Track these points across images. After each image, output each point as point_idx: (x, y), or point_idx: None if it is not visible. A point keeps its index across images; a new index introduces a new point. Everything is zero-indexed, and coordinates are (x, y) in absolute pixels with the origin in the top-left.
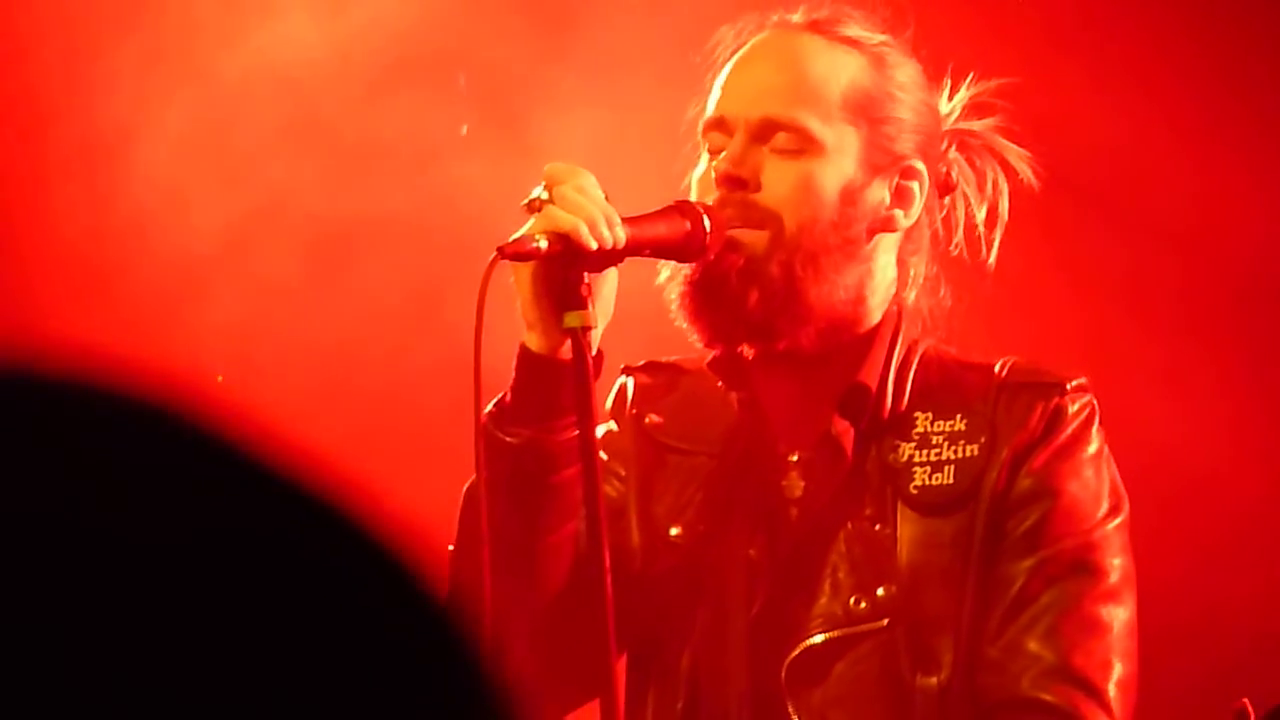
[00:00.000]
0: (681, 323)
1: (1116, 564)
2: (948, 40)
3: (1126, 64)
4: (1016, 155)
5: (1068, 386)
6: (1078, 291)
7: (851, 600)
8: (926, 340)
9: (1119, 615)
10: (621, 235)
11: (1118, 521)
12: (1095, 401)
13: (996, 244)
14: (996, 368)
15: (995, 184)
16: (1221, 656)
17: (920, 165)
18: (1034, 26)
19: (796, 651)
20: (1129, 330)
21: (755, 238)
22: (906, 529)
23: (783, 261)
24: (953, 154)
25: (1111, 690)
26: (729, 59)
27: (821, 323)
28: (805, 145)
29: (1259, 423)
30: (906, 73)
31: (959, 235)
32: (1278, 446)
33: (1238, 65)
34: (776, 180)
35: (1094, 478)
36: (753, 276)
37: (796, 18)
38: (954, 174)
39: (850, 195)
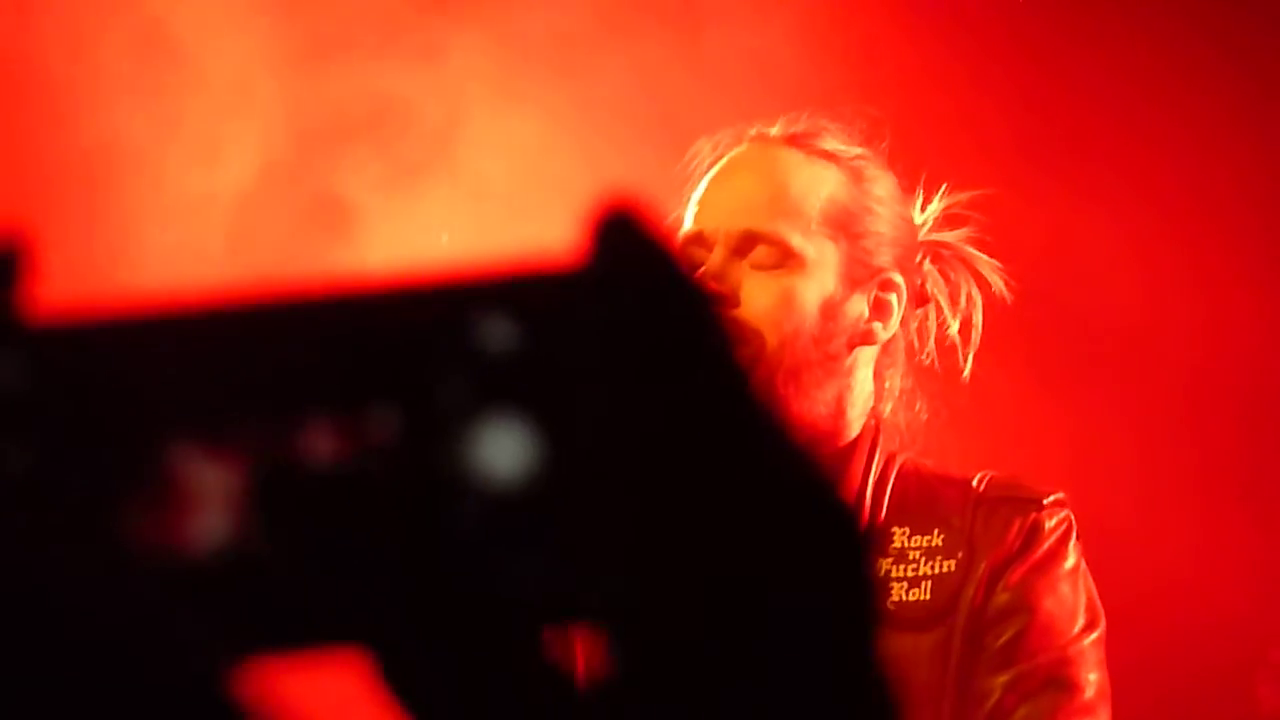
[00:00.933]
0: None
1: (1092, 679)
2: (922, 151)
3: (1103, 175)
4: (989, 267)
5: (1045, 502)
6: (1057, 406)
7: None
8: (904, 454)
9: None
10: None
11: (1093, 637)
12: (1072, 517)
13: (971, 356)
14: (974, 483)
15: (969, 296)
16: None
17: (898, 278)
18: (1008, 137)
19: None
20: (1105, 445)
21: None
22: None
23: (764, 378)
24: (926, 266)
25: None
26: (706, 172)
27: (808, 430)
28: (785, 259)
29: (1237, 538)
30: (884, 186)
31: (931, 345)
32: (1254, 560)
33: (1211, 178)
34: (757, 295)
35: (1070, 593)
36: None
37: (775, 131)
38: (928, 286)
39: (830, 310)
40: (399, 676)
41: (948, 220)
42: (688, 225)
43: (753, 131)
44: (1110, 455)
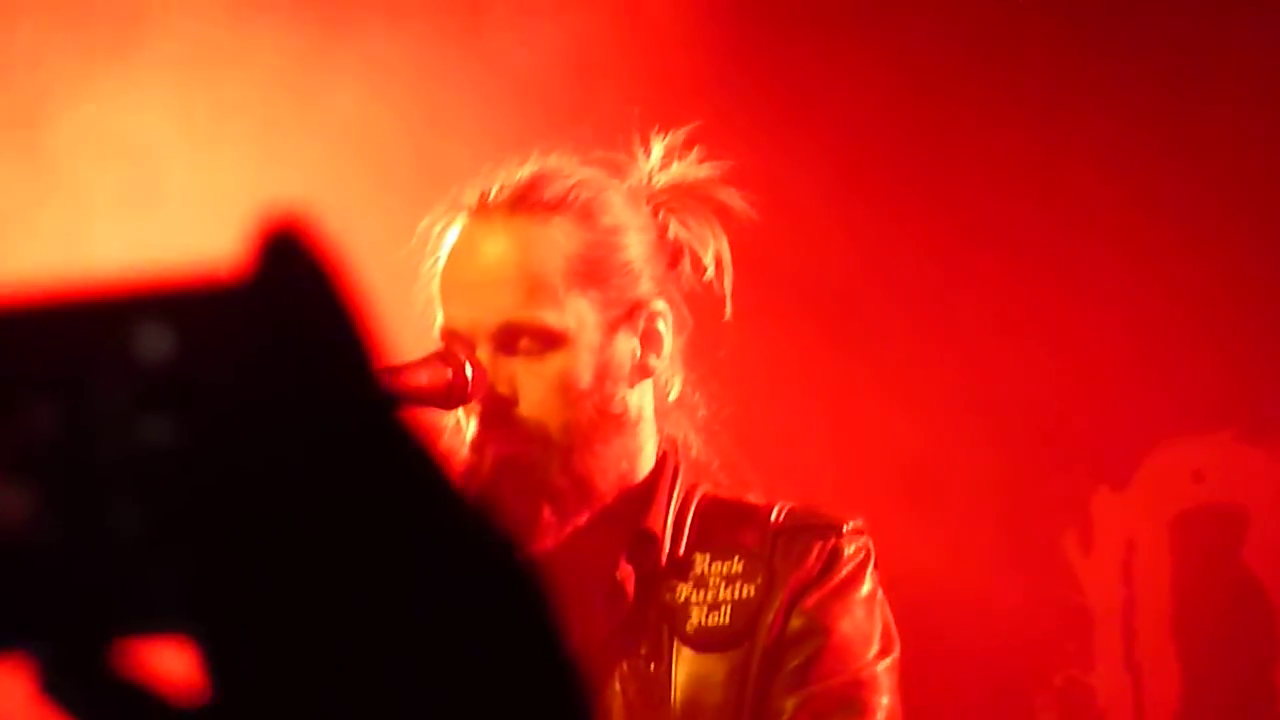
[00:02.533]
0: None
1: (883, 703)
2: (634, 98)
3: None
4: (727, 194)
5: (844, 529)
6: (852, 433)
7: None
8: (704, 485)
9: None
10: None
11: (887, 662)
12: (871, 544)
13: (729, 297)
14: (773, 513)
15: (715, 235)
16: None
17: (661, 305)
18: (713, 71)
19: None
20: (903, 472)
21: (531, 453)
22: (682, 667)
23: (561, 465)
24: (665, 217)
25: None
26: (438, 255)
27: (608, 492)
28: (549, 342)
29: (1025, 562)
30: (615, 207)
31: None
32: (1040, 583)
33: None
34: (532, 388)
35: (866, 618)
36: (539, 492)
37: (493, 195)
38: (674, 236)
39: (604, 369)
40: (48, 680)
41: (669, 158)
42: (440, 320)
43: (471, 200)
44: (897, 479)
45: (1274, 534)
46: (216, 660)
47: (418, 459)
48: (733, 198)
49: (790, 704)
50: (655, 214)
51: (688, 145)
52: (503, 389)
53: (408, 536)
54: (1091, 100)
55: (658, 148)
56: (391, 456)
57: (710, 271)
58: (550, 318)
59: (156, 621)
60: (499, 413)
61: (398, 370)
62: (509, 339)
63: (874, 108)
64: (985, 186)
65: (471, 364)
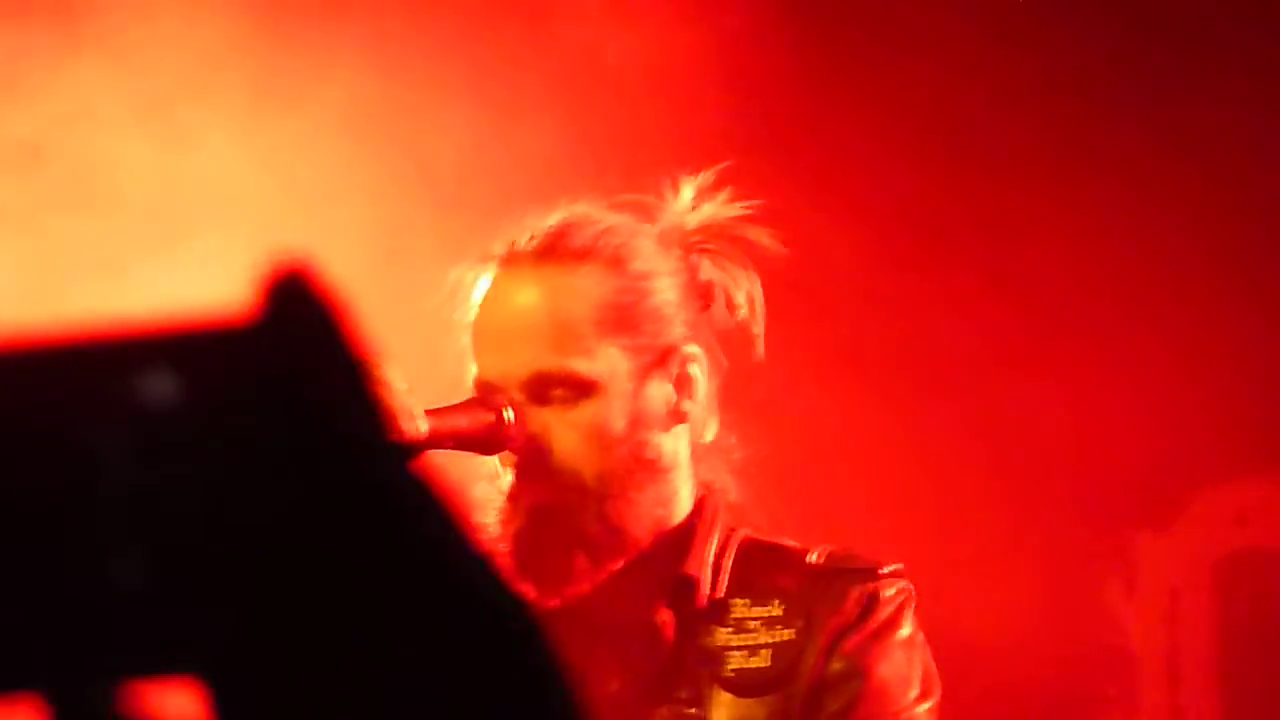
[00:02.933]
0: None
1: None
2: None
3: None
4: (758, 233)
5: (882, 572)
6: (887, 466)
7: None
8: (743, 529)
9: None
10: (423, 427)
11: (927, 706)
12: (911, 587)
13: (762, 335)
14: (812, 556)
15: (747, 277)
16: None
17: (693, 349)
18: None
19: None
20: (942, 517)
21: (566, 501)
22: (721, 712)
23: (596, 514)
24: (696, 259)
25: None
26: (468, 306)
27: (644, 538)
28: (580, 390)
29: (1066, 589)
30: (644, 253)
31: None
32: (1084, 609)
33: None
34: (565, 437)
35: (906, 662)
36: (573, 539)
37: (522, 244)
38: (705, 277)
39: (638, 417)
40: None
41: (700, 199)
42: (474, 371)
43: (500, 251)
44: (939, 525)
45: None
46: (224, 703)
47: (427, 507)
48: (764, 237)
49: None
50: (686, 256)
51: (718, 186)
52: (539, 438)
53: (414, 586)
54: (1119, 152)
55: (687, 189)
56: (399, 504)
57: (743, 312)
58: (581, 366)
59: (165, 664)
60: (534, 462)
61: (438, 414)
62: (541, 389)
63: (903, 153)
64: (1019, 235)
65: (512, 408)
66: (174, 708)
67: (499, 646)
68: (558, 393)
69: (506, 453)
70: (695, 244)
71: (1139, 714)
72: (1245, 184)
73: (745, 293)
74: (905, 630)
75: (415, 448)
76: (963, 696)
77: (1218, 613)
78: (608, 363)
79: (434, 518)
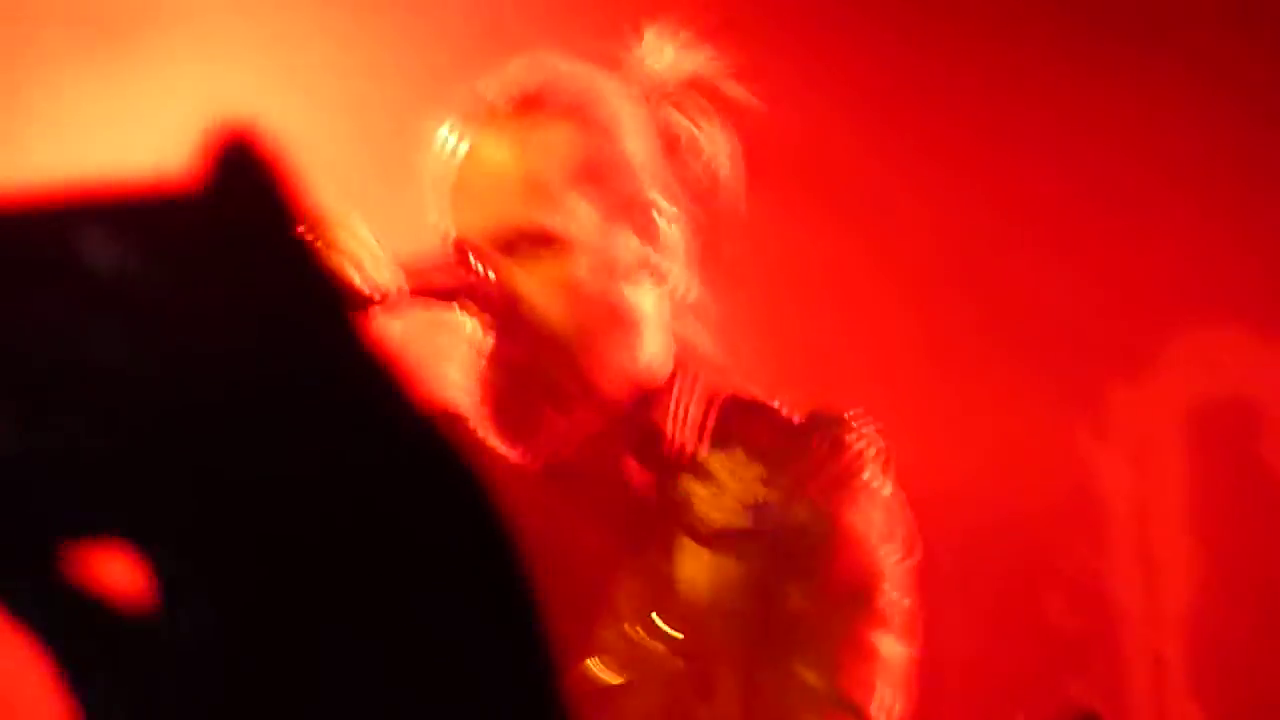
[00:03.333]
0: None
1: (894, 595)
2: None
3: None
4: (730, 87)
5: (854, 426)
6: (852, 319)
7: (637, 634)
8: (716, 384)
9: (892, 645)
10: (396, 282)
11: (897, 555)
12: (882, 443)
13: (734, 188)
14: (785, 412)
15: (715, 129)
16: (992, 684)
17: (659, 199)
18: None
19: (580, 685)
20: (918, 366)
21: (538, 355)
22: (694, 565)
23: (569, 370)
24: (664, 110)
25: (879, 717)
26: (441, 162)
27: (620, 392)
28: (550, 245)
29: (1030, 448)
30: (613, 105)
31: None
32: (1046, 470)
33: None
34: (537, 292)
35: (875, 511)
36: (546, 394)
37: (491, 98)
38: (673, 129)
39: (608, 270)
40: None
41: (671, 56)
42: (446, 227)
43: (469, 106)
44: (913, 374)
45: None
46: (163, 567)
47: (367, 365)
48: (733, 88)
49: (799, 596)
50: (654, 108)
51: (694, 41)
52: (511, 293)
53: (362, 451)
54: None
55: (661, 43)
56: (340, 362)
57: (713, 165)
58: (552, 221)
59: (102, 527)
60: (510, 321)
61: (416, 273)
62: (513, 244)
63: (884, 5)
64: (998, 85)
65: (488, 264)
66: (114, 574)
67: (446, 510)
68: (529, 248)
69: (483, 312)
70: (664, 96)
71: (1110, 559)
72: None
73: (714, 144)
74: (875, 481)
75: (389, 302)
76: (933, 542)
77: (1188, 460)
78: (577, 216)
79: (383, 384)
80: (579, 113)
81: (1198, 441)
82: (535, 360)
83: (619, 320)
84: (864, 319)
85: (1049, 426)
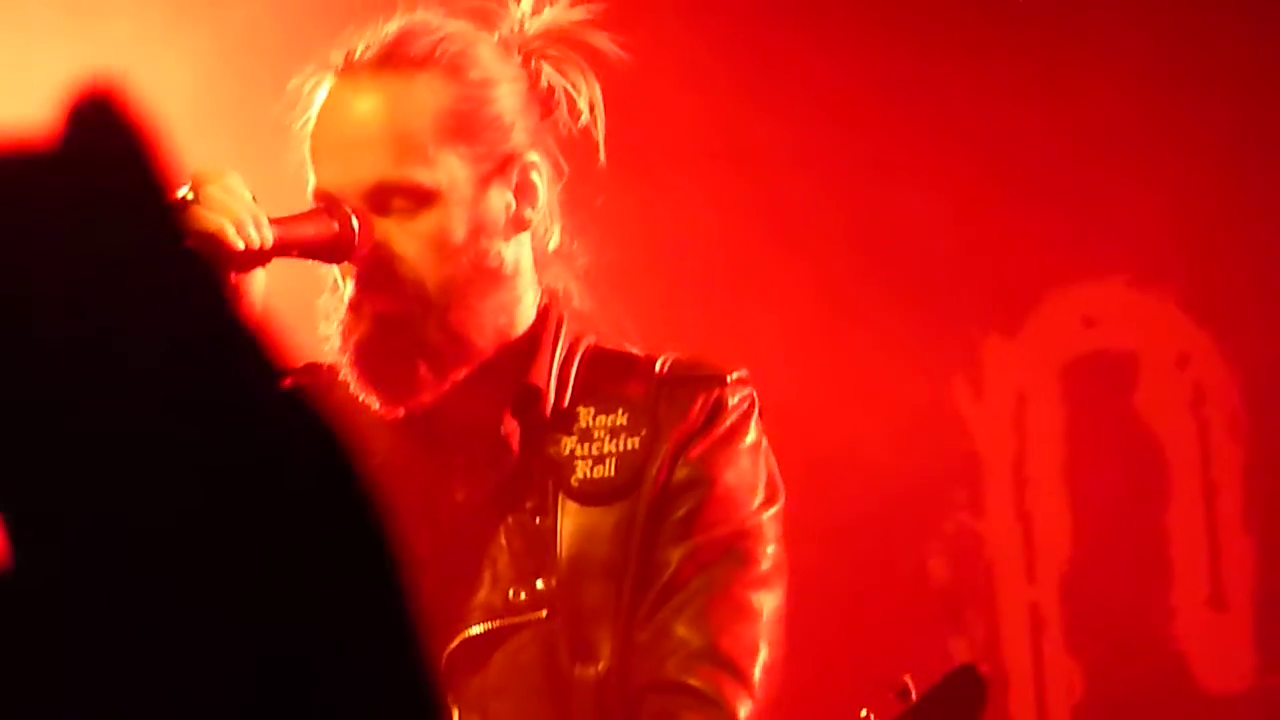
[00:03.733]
0: (354, 389)
1: (769, 552)
2: None
3: None
4: (600, 39)
5: (728, 379)
6: (739, 278)
7: (510, 592)
8: (588, 337)
9: (768, 602)
10: (269, 236)
11: (772, 511)
12: (755, 394)
13: (603, 143)
14: (658, 364)
15: (588, 83)
16: (870, 640)
17: (534, 155)
18: None
19: (455, 643)
20: (795, 321)
21: (408, 311)
22: (568, 521)
23: (437, 322)
24: (537, 65)
25: (757, 674)
26: (308, 116)
27: (487, 347)
28: (420, 200)
29: (918, 409)
30: (484, 60)
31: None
32: (932, 431)
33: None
34: (406, 246)
35: (750, 468)
36: (415, 348)
37: (360, 53)
38: (546, 83)
39: (478, 224)
40: None
41: (542, 8)
42: (313, 180)
43: (338, 61)
44: (786, 328)
45: (1164, 381)
46: (18, 538)
47: (227, 325)
48: (605, 42)
49: (676, 555)
50: (527, 63)
51: None
52: (380, 248)
53: (215, 405)
54: None
55: None
56: (201, 324)
57: (585, 118)
58: (421, 175)
59: None
60: (376, 271)
61: (284, 223)
62: (381, 199)
63: None
64: (885, 35)
65: (357, 216)
66: None
67: (307, 474)
68: (398, 202)
69: (348, 263)
70: (536, 50)
71: (986, 516)
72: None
73: (586, 98)
74: (750, 437)
75: (261, 255)
76: (810, 500)
77: (1065, 415)
78: (448, 171)
79: (244, 344)
80: (448, 65)
81: (1074, 395)
82: (404, 311)
83: (489, 274)
84: (742, 272)
85: (925, 382)
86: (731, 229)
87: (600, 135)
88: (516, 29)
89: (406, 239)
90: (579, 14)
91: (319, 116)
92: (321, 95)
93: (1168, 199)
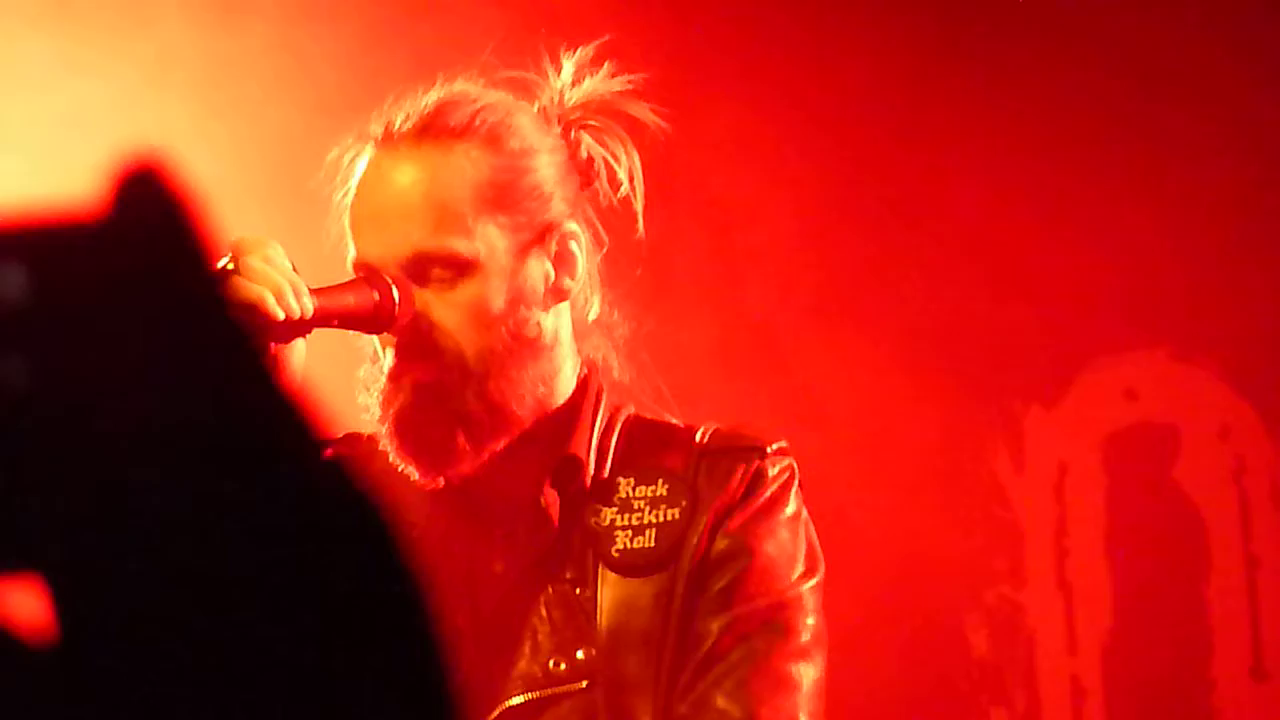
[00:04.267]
0: (395, 459)
1: (809, 624)
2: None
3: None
4: (639, 109)
5: (768, 450)
6: (770, 353)
7: (551, 663)
8: (628, 407)
9: (808, 674)
10: (309, 306)
11: (812, 583)
12: (795, 465)
13: (642, 214)
14: (698, 435)
15: (628, 154)
16: (912, 712)
17: (573, 225)
18: None
19: (495, 714)
20: (835, 392)
21: (447, 381)
22: (608, 592)
23: (476, 392)
24: (577, 135)
25: None
26: (348, 187)
27: (529, 420)
28: (459, 270)
29: (951, 480)
30: (522, 133)
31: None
32: (969, 504)
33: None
34: (445, 316)
35: (790, 539)
36: (454, 418)
37: (399, 124)
38: (586, 154)
39: (517, 294)
40: None
41: (582, 78)
42: (352, 253)
43: (377, 131)
44: (826, 400)
45: (1205, 453)
46: (66, 599)
47: (269, 395)
48: (644, 112)
49: (715, 626)
50: (567, 133)
51: (597, 61)
52: (420, 318)
53: (264, 487)
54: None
55: (568, 65)
56: (243, 394)
57: (625, 188)
58: (460, 246)
59: (7, 561)
60: (416, 341)
61: (325, 293)
62: (420, 269)
63: (783, 19)
64: (924, 99)
65: (398, 286)
66: (19, 606)
67: (345, 545)
68: (437, 272)
69: (388, 334)
70: (576, 120)
71: (1027, 587)
72: (1154, 79)
73: (626, 169)
74: (790, 508)
75: (302, 325)
76: (850, 571)
77: (1106, 487)
78: (486, 241)
79: (286, 417)
80: (487, 135)
81: (1115, 466)
82: (443, 381)
83: (528, 344)
84: (777, 340)
85: (967, 452)
86: (768, 300)
87: (640, 205)
88: (556, 99)
89: (445, 309)
90: (618, 84)
91: (358, 188)
92: (361, 166)
93: (1211, 271)
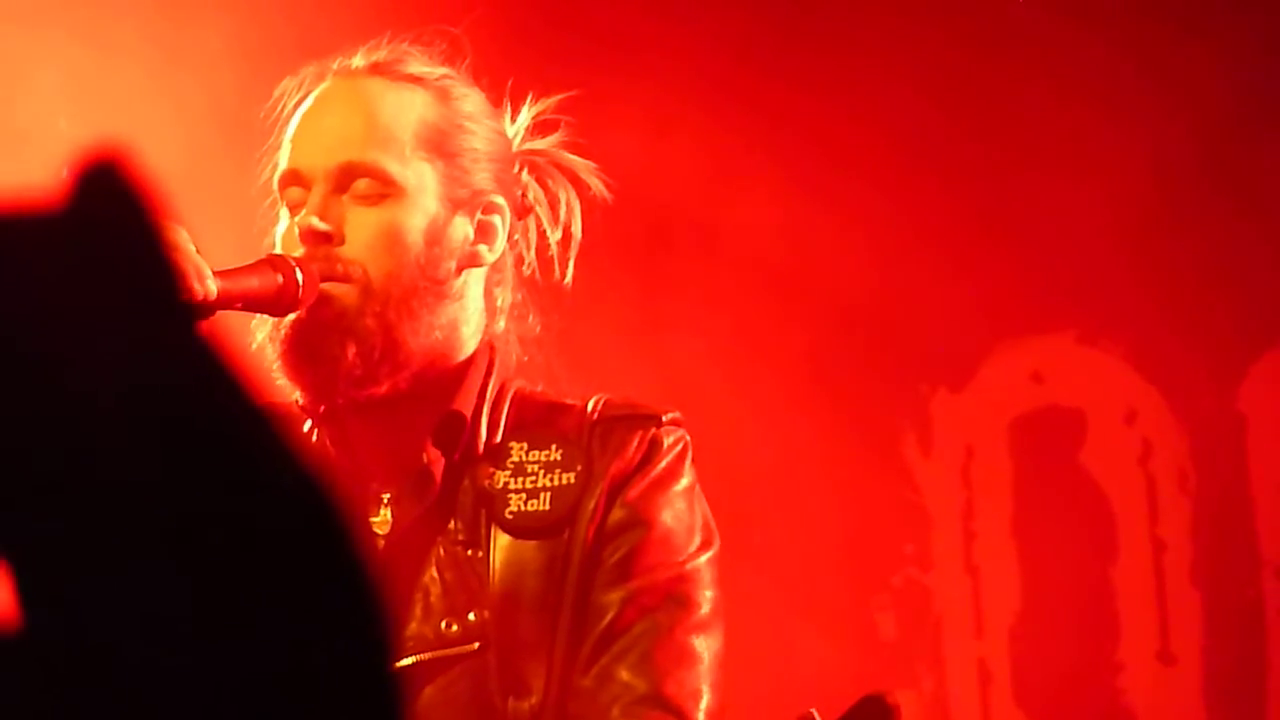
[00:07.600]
0: (281, 380)
1: (708, 596)
2: (504, 62)
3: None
4: (585, 169)
5: (663, 419)
6: (674, 323)
7: (442, 624)
8: (518, 381)
9: (710, 646)
10: (213, 288)
11: (709, 555)
12: (688, 436)
13: (572, 263)
14: (589, 405)
15: (568, 203)
16: (816, 693)
17: (500, 200)
18: (581, 42)
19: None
20: (744, 374)
21: (345, 291)
22: (500, 554)
23: (375, 313)
24: (524, 176)
25: (701, 719)
26: (295, 110)
27: (418, 364)
28: (386, 190)
29: (859, 462)
30: (473, 102)
31: (532, 256)
32: (875, 486)
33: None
34: (360, 229)
35: (687, 511)
36: (347, 331)
37: (357, 62)
38: (528, 196)
39: (435, 235)
40: None
41: (539, 128)
42: (283, 164)
43: (335, 65)
44: (733, 382)
45: (1112, 436)
46: (26, 577)
47: (224, 386)
48: (589, 174)
49: (615, 598)
50: (516, 170)
51: (556, 114)
52: (329, 226)
53: (203, 444)
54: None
55: (525, 114)
56: (198, 385)
57: (556, 236)
58: (392, 166)
59: None
60: (322, 248)
61: (229, 275)
62: (347, 179)
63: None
64: (839, 101)
65: (301, 269)
66: None
67: (279, 505)
68: (362, 185)
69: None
70: (528, 157)
71: (934, 570)
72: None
73: (564, 222)
74: (685, 479)
75: (206, 308)
76: (758, 554)
77: (1013, 471)
78: (418, 174)
79: (219, 379)
80: (441, 89)
81: (1022, 449)
82: (342, 295)
83: (434, 285)
84: (677, 325)
85: (873, 435)
86: (668, 280)
87: (575, 242)
88: (515, 142)
89: (361, 226)
90: (558, 139)
91: (308, 107)
92: (297, 91)
93: (1116, 254)
